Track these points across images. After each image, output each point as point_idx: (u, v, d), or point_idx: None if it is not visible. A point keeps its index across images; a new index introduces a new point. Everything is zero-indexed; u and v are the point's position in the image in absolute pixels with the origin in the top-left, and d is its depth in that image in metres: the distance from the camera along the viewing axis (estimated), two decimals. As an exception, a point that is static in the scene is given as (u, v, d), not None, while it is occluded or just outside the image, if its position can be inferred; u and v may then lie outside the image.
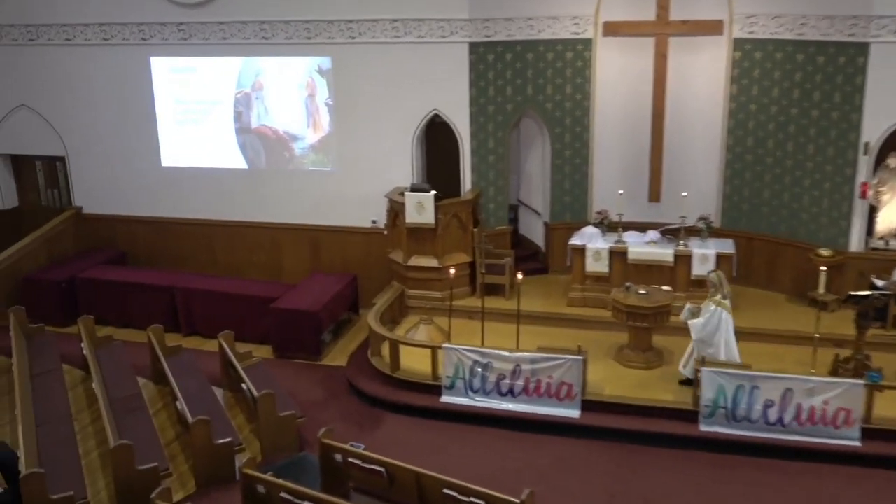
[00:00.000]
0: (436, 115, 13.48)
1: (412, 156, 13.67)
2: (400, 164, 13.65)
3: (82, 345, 11.68)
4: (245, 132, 14.45)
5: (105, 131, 14.96)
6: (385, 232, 13.53)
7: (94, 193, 15.22)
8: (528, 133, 14.54)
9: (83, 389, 11.46)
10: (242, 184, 14.57)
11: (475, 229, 12.92)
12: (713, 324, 9.90)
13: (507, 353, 10.38)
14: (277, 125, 14.29)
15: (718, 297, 9.90)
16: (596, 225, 12.91)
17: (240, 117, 14.39)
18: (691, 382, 9.95)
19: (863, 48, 11.33)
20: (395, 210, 13.10)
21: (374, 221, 13.96)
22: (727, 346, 9.94)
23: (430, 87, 13.24)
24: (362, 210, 14.00)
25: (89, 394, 11.22)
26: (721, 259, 12.00)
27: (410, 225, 12.74)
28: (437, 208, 12.64)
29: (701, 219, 12.45)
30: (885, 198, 11.81)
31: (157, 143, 14.83)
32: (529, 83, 13.41)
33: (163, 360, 11.09)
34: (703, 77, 12.93)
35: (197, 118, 14.55)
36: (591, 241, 12.62)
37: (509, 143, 13.73)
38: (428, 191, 12.63)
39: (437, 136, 13.84)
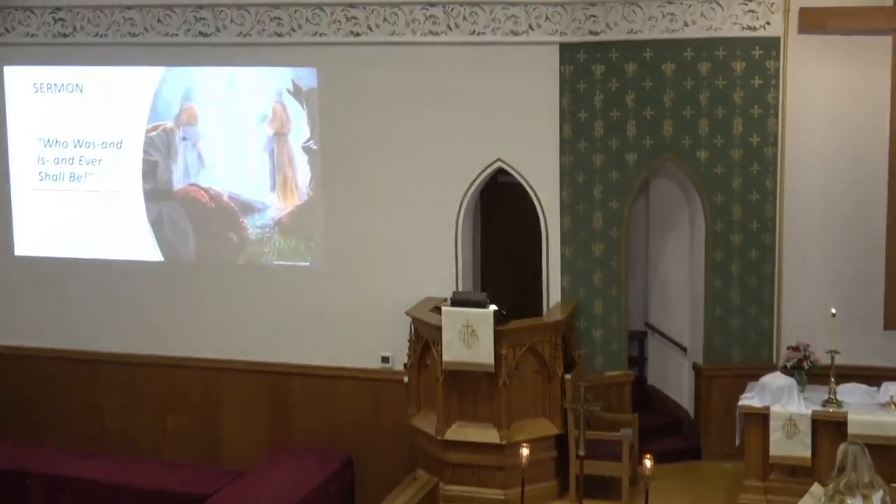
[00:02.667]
0: (500, 171, 13.78)
1: (457, 243, 13.98)
2: (435, 257, 13.96)
3: None
4: (162, 197, 14.78)
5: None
6: (405, 378, 13.74)
7: None
8: (666, 204, 14.70)
9: None
10: (155, 288, 14.89)
11: (567, 376, 12.99)
12: None
13: None
14: (219, 186, 14.61)
15: (827, 488, 10.30)
16: (789, 371, 12.95)
17: (153, 172, 14.74)
18: None
19: None
20: (425, 339, 13.23)
21: (385, 360, 14.24)
22: None
23: (492, 121, 13.57)
24: (365, 338, 14.25)
25: None
26: None
27: (451, 367, 12.82)
28: (499, 337, 12.66)
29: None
30: None
31: (9, 218, 15.19)
32: (668, 116, 13.62)
33: None
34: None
35: (78, 173, 14.95)
36: (781, 399, 12.71)
37: (630, 223, 13.91)
38: (484, 305, 12.70)
39: (501, 207, 14.31)
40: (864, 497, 10.17)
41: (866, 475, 10.21)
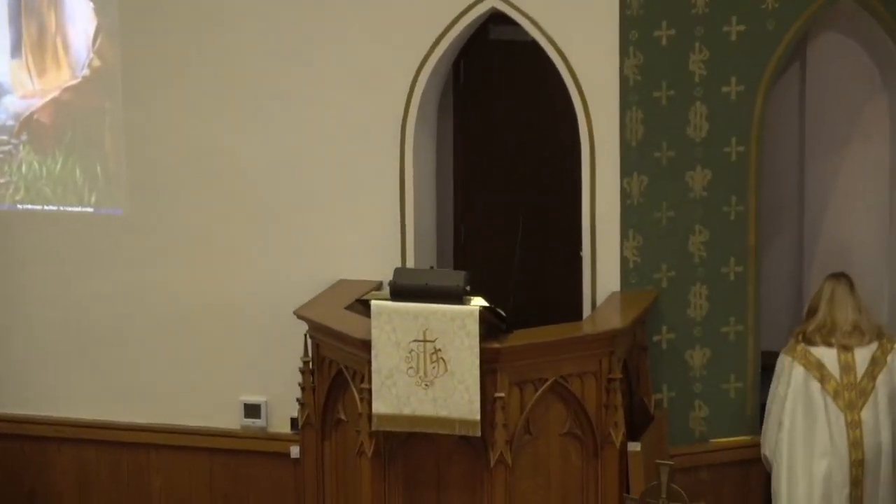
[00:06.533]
0: (495, 16, 10.84)
1: (403, 171, 11.25)
2: (359, 199, 11.33)
3: None
4: None
5: None
6: (294, 450, 10.91)
7: None
8: (841, 88, 11.84)
9: None
10: None
11: (634, 446, 10.23)
12: (773, 385, 10.19)
13: None
14: None
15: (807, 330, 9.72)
16: None
17: None
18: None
19: None
20: (337, 368, 10.32)
21: (252, 411, 11.48)
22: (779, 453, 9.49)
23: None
24: (212, 368, 11.32)
25: None
26: None
27: (391, 425, 9.93)
28: (492, 363, 9.82)
29: None
30: None
31: None
32: None
33: None
34: None
35: None
36: None
37: (766, 127, 10.93)
38: (460, 297, 9.90)
39: (496, 94, 11.65)
40: (843, 349, 9.47)
41: (849, 317, 9.42)
